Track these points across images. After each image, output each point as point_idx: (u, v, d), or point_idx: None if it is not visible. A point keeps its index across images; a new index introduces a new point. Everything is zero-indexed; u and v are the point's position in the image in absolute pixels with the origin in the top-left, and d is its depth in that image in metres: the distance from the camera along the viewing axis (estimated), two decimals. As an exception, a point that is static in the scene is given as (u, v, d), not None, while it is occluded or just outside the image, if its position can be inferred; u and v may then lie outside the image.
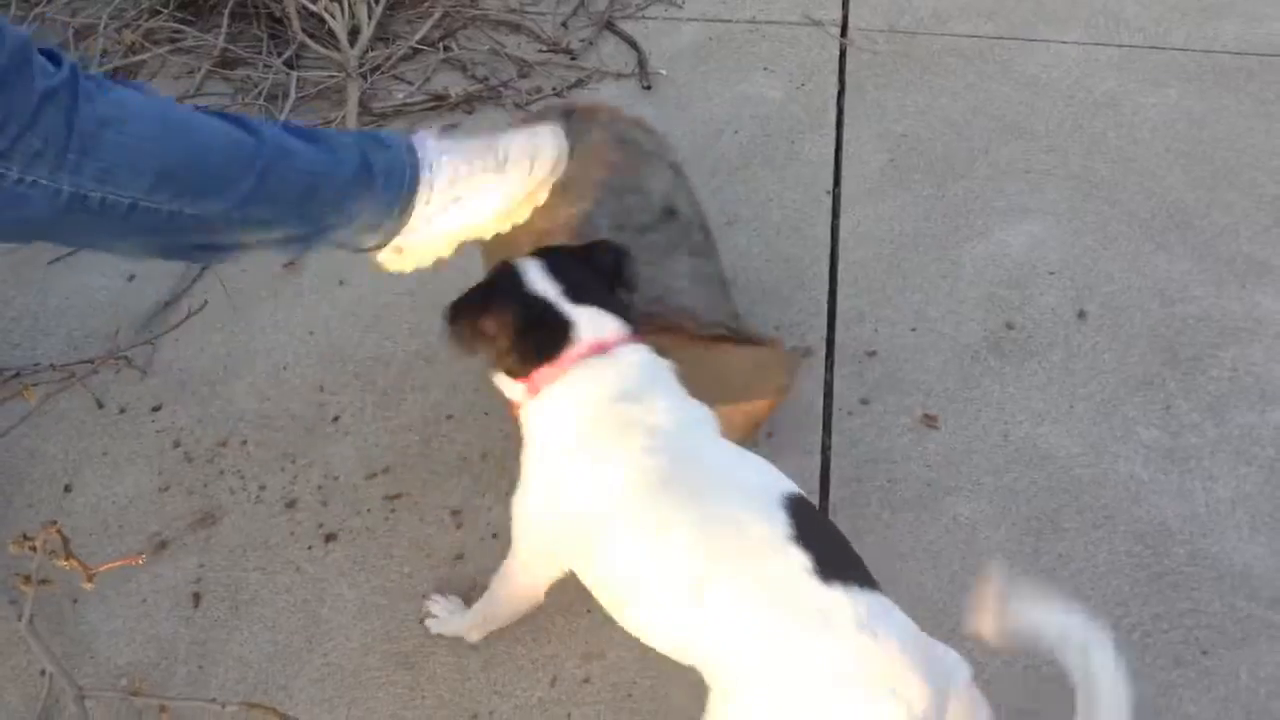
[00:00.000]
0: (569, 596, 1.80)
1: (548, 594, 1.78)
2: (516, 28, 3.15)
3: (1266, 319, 2.21)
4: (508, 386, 1.47)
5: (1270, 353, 2.15)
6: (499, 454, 2.03)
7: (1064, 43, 2.98)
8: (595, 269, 1.46)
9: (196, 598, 1.86)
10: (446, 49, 3.08)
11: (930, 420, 2.06)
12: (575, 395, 1.37)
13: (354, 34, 2.87)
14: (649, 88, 2.90)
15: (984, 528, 1.89)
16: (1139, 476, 1.94)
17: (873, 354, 2.18)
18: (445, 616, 1.74)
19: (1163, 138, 2.65)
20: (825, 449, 2.02)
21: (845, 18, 3.12)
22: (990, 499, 1.93)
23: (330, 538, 1.93)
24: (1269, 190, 2.48)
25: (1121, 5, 3.12)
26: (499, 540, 1.89)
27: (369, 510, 1.97)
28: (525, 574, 1.57)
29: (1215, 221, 2.41)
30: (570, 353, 1.38)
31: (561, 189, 1.70)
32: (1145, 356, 2.15)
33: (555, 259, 1.45)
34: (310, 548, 1.91)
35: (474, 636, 1.71)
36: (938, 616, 1.77)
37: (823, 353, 2.19)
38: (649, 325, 1.51)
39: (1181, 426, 2.03)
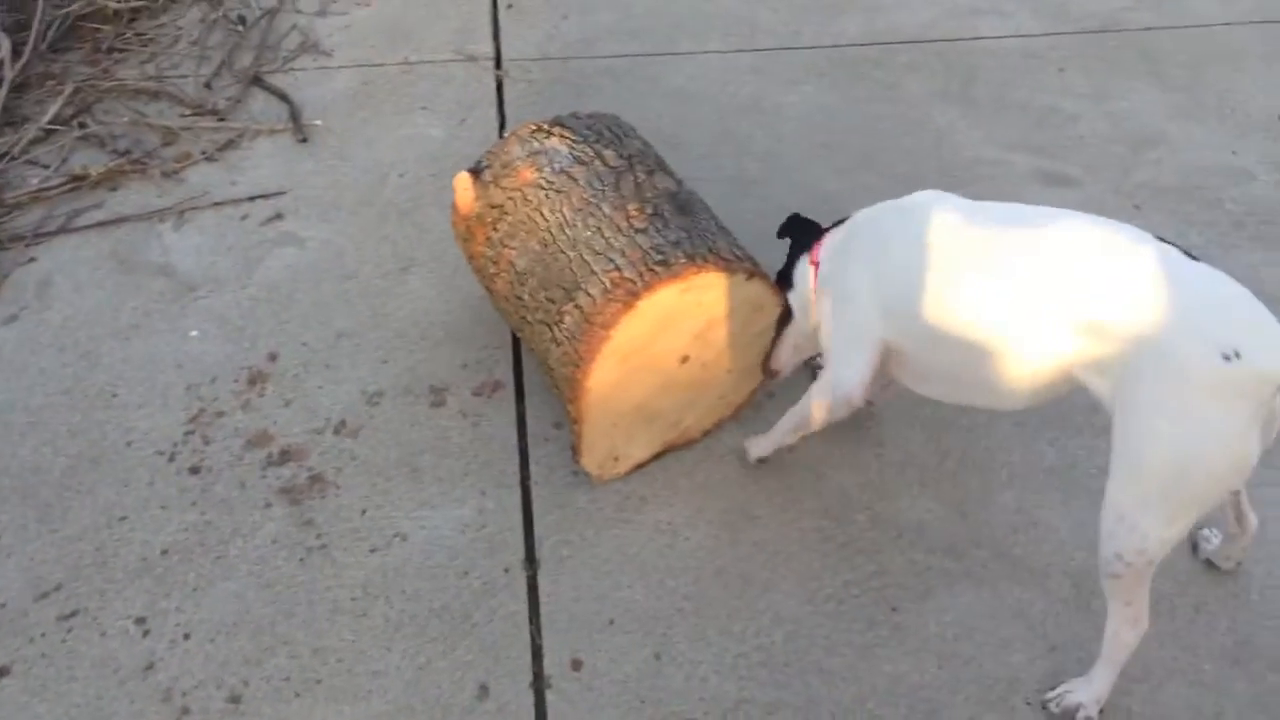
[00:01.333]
0: (273, 684, 1.72)
1: (248, 683, 1.68)
2: (156, 95, 2.98)
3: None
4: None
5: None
6: (182, 548, 1.90)
7: (706, 53, 3.12)
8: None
9: None
10: (83, 125, 2.87)
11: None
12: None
13: (-30, 120, 2.64)
14: (305, 140, 2.81)
15: (684, 529, 1.94)
16: (817, 454, 2.05)
17: (562, 378, 2.20)
18: None
19: (803, 132, 2.83)
20: (525, 480, 2.02)
21: (498, 50, 3.15)
22: (686, 500, 1.98)
23: (2, 673, 1.74)
24: (900, 169, 2.69)
25: (754, 11, 3.32)
26: (190, 640, 1.77)
27: (43, 635, 1.79)
28: None
29: (858, 204, 2.57)
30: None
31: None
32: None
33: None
34: (-26, 693, 1.72)
35: None
36: (648, 624, 1.81)
37: (512, 386, 2.19)
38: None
39: (850, 400, 2.16)
